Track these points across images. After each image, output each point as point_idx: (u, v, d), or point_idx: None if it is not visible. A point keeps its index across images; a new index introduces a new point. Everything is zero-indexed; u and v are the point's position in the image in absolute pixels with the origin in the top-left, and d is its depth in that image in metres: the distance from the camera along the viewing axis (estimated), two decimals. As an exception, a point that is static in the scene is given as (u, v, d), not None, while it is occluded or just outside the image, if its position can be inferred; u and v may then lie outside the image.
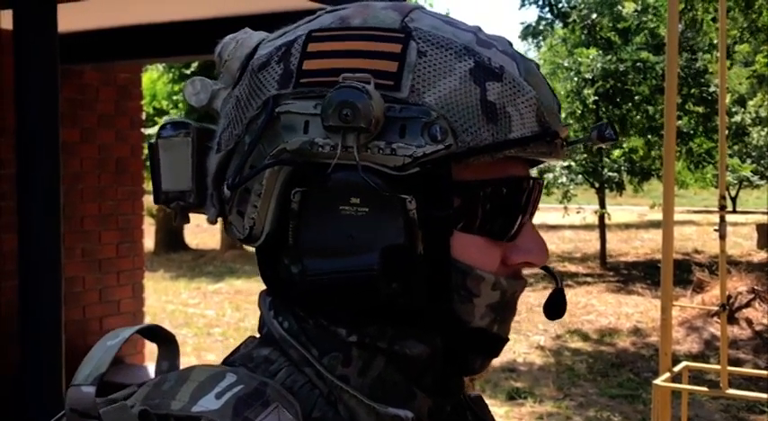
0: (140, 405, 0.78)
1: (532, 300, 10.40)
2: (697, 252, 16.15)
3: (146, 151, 7.72)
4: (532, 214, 0.90)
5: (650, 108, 15.36)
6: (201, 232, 21.30)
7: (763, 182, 22.92)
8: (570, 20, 16.13)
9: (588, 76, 15.00)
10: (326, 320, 0.85)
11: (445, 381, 0.90)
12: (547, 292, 0.91)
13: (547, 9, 17.80)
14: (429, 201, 0.80)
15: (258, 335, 0.92)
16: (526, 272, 0.92)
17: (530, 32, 18.77)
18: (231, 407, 0.76)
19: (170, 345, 0.95)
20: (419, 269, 0.81)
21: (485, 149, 0.80)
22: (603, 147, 0.81)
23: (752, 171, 20.95)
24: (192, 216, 0.95)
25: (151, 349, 7.34)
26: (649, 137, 15.44)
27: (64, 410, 0.85)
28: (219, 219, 0.91)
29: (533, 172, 0.93)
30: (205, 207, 0.90)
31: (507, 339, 0.90)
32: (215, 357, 8.67)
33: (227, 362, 0.90)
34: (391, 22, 0.83)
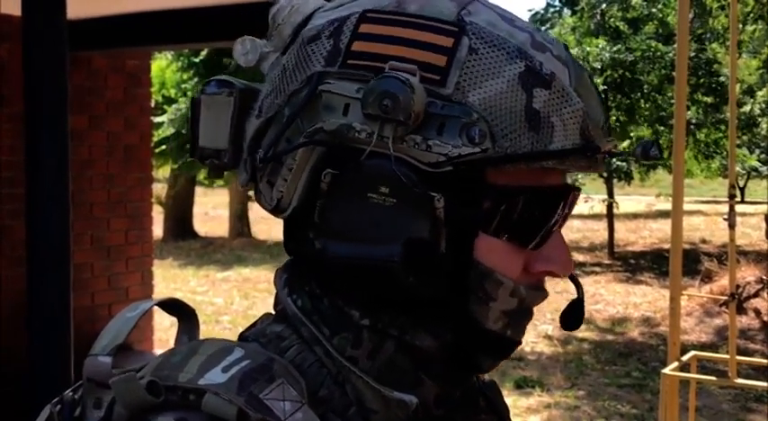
0: (150, 376, 0.79)
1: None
2: (705, 242, 16.11)
3: (154, 139, 7.68)
4: (562, 224, 0.88)
5: (659, 97, 15.32)
6: (210, 220, 21.33)
7: (772, 172, 22.84)
8: (579, 8, 16.08)
9: (597, 65, 14.96)
10: (342, 301, 0.85)
11: (453, 372, 0.89)
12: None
13: (556, -4, 17.78)
14: (458, 200, 0.80)
15: (274, 312, 0.92)
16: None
17: (538, 20, 18.73)
18: (237, 381, 0.77)
19: (191, 320, 0.96)
20: (439, 266, 0.80)
21: (522, 158, 0.79)
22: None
23: (759, 160, 20.89)
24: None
25: (160, 336, 7.37)
26: (657, 126, 15.41)
27: (81, 380, 0.86)
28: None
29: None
30: (238, 169, 0.90)
31: (520, 342, 0.89)
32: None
33: (242, 336, 0.91)
34: (448, 14, 0.81)
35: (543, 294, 0.89)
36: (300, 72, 0.84)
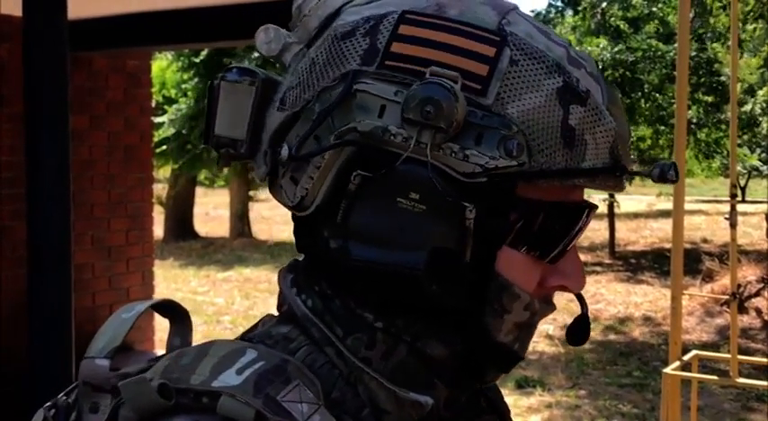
0: (159, 378, 0.77)
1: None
2: (706, 241, 16.11)
3: (155, 139, 7.66)
4: (577, 239, 0.88)
5: (660, 97, 15.32)
6: (210, 220, 21.33)
7: (772, 171, 22.84)
8: (581, 8, 16.08)
9: (598, 65, 14.94)
10: (354, 302, 0.84)
11: (461, 378, 0.89)
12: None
13: (557, -4, 17.77)
14: (487, 211, 0.79)
15: (276, 314, 0.90)
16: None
17: (540, 20, 18.70)
18: (252, 384, 0.76)
19: (183, 321, 0.95)
20: (463, 276, 0.80)
21: (556, 174, 0.79)
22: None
23: (760, 160, 20.89)
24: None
25: (161, 337, 7.36)
26: (658, 126, 15.41)
27: (76, 382, 0.84)
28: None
29: None
30: (254, 160, 0.87)
31: (523, 358, 0.90)
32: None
33: (244, 338, 0.88)
34: (489, 22, 0.81)
35: (552, 308, 0.89)
36: (333, 69, 0.82)
